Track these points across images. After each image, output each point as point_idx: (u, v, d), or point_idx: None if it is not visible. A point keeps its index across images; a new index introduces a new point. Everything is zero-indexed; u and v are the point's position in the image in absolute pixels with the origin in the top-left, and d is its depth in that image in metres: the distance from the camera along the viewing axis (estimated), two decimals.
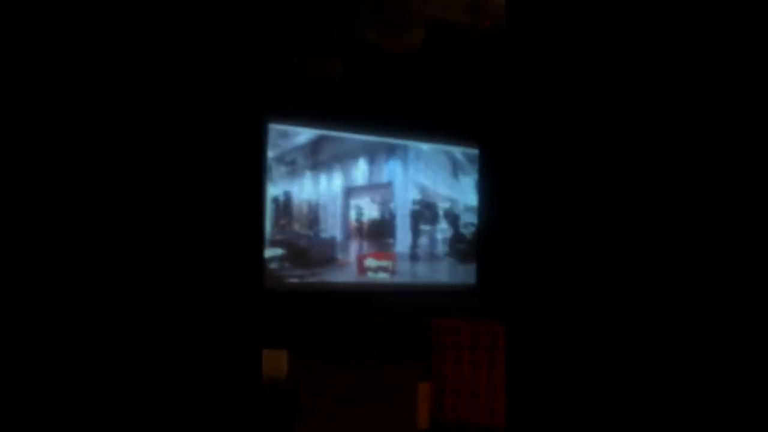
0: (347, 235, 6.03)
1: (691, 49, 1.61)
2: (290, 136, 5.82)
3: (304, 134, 5.89)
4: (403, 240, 6.26)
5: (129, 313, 1.92)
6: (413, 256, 6.30)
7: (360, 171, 6.09)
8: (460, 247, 6.49)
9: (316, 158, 5.94)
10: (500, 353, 4.93)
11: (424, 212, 6.36)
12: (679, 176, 1.65)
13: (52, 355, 1.82)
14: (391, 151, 6.20)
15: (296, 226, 5.70)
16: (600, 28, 1.72)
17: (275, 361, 4.40)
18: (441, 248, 6.42)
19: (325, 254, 5.98)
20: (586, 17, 1.74)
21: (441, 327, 5.01)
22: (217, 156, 2.07)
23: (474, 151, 6.54)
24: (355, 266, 6.06)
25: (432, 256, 6.39)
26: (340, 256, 6.01)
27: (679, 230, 1.67)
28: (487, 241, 6.40)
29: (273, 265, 5.58)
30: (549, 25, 1.78)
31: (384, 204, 6.16)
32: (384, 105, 6.07)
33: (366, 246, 6.10)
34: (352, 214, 6.05)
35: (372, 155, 6.15)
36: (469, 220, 6.51)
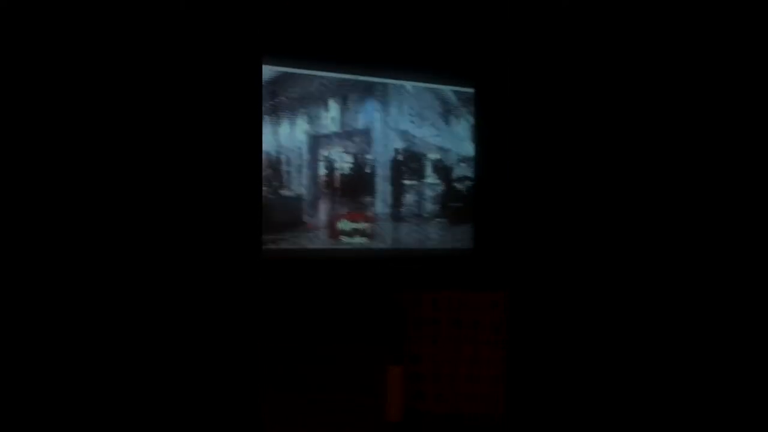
0: (316, 193, 5.38)
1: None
2: None
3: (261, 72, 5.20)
4: (383, 198, 5.59)
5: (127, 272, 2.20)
6: (396, 217, 5.63)
7: (330, 116, 5.43)
8: (454, 206, 5.80)
9: (277, 101, 5.28)
10: (486, 330, 4.27)
11: (409, 164, 5.69)
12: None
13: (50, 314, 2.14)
14: (367, 92, 5.53)
15: None
16: None
17: None
18: (430, 207, 5.74)
19: (290, 216, 5.34)
20: None
21: (415, 300, 4.36)
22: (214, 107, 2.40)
23: (469, 91, 5.80)
24: (327, 230, 5.39)
25: (419, 217, 5.73)
26: (308, 218, 5.36)
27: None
28: (486, 198, 5.71)
29: None
30: None
31: (360, 155, 5.49)
32: (358, 35, 5.40)
33: (339, 205, 5.43)
34: (322, 168, 5.39)
35: (345, 97, 5.47)
36: (464, 173, 5.81)
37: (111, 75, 2.53)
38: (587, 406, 4.01)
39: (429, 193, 5.82)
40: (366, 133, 5.60)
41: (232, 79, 3.23)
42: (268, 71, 5.28)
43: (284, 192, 5.34)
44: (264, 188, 5.21)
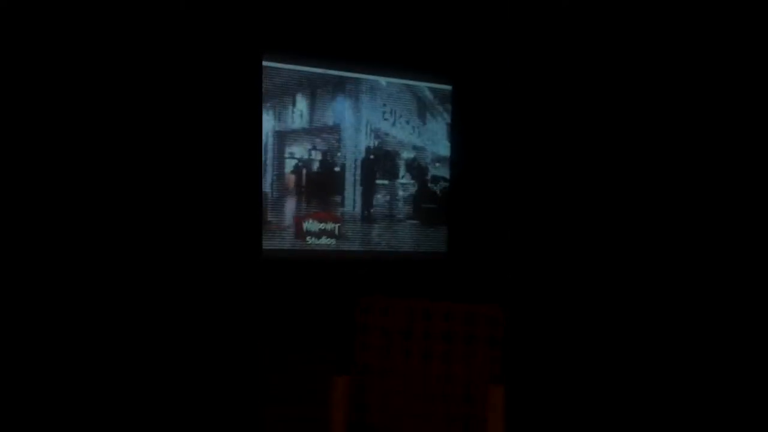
0: (282, 192, 5.20)
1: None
2: None
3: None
4: (353, 198, 5.39)
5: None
6: (367, 218, 5.43)
7: (298, 111, 5.24)
8: (428, 207, 5.58)
9: None
10: (437, 341, 4.07)
11: (382, 163, 5.49)
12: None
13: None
14: (338, 87, 5.33)
15: None
16: None
17: None
18: (403, 208, 5.53)
19: None
20: None
21: (367, 306, 4.17)
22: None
23: (446, 88, 5.59)
24: (292, 230, 5.22)
25: (391, 218, 5.51)
26: (272, 217, 5.19)
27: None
28: (462, 200, 5.49)
29: None
30: None
31: (329, 152, 5.30)
32: (329, 26, 5.21)
33: (306, 205, 5.25)
34: (288, 165, 5.21)
35: (314, 91, 5.28)
36: (440, 173, 5.59)
37: (111, 73, 2.52)
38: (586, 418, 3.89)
39: (402, 193, 5.62)
40: (336, 130, 5.42)
41: (232, 77, 3.17)
42: None
43: None
44: None
